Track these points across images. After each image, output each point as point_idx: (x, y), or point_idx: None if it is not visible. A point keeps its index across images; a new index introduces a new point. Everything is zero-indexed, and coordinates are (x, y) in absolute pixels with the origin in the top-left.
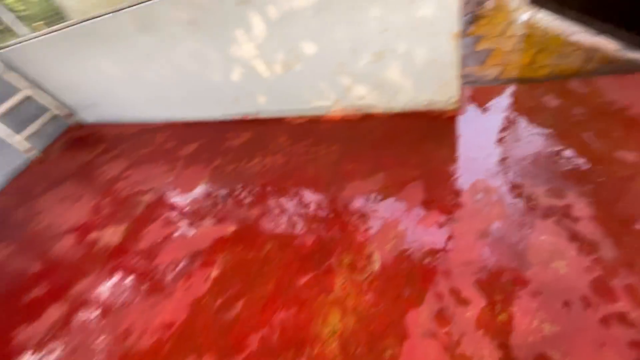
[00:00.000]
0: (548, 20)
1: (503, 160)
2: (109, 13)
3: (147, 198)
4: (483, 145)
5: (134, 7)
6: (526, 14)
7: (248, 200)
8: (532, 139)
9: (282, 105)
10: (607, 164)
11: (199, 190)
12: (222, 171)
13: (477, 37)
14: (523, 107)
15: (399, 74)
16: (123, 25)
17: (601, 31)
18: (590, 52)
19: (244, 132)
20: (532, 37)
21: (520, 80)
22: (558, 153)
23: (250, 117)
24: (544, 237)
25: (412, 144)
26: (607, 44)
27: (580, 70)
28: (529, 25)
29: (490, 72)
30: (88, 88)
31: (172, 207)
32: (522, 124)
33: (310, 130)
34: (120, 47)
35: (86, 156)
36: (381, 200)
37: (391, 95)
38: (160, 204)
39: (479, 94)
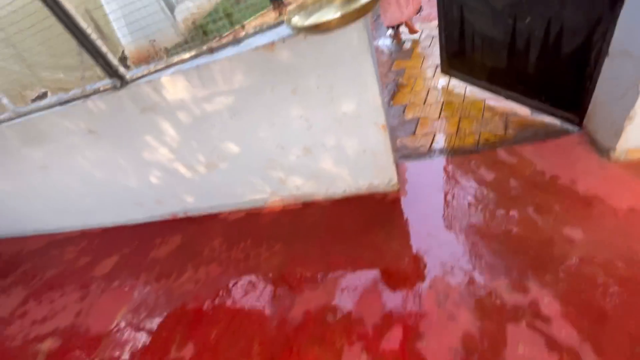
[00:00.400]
0: (462, 87)
1: (456, 250)
2: None
3: (48, 346)
4: (432, 232)
5: (14, 120)
6: (441, 82)
7: (178, 334)
8: (478, 221)
9: (214, 202)
10: (558, 245)
11: (117, 324)
12: (147, 294)
13: (403, 106)
14: (462, 182)
15: (332, 165)
16: (4, 140)
17: (510, 98)
18: (506, 117)
19: (173, 236)
20: (452, 105)
21: (452, 151)
22: (508, 235)
23: (179, 216)
24: (521, 348)
25: (360, 235)
26: (519, 109)
27: (503, 137)
28: (447, 92)
29: (422, 142)
30: None
31: (80, 356)
32: (465, 203)
33: (249, 227)
34: (6, 161)
35: None
36: (337, 317)
37: (329, 183)
38: (64, 353)
39: (417, 170)
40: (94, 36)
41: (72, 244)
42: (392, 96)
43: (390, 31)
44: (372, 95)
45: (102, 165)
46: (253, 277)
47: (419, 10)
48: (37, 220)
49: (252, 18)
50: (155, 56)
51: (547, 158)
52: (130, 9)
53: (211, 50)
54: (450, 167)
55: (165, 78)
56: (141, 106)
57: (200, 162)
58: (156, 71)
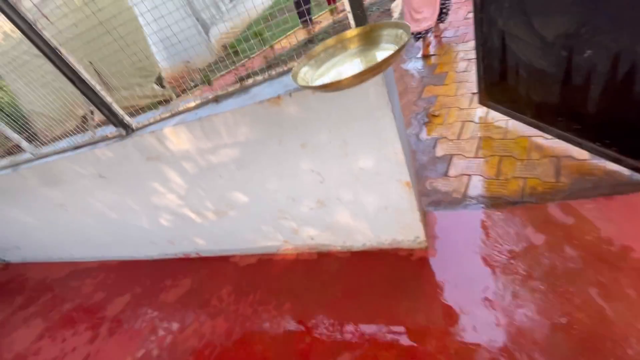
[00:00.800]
0: (504, 121)
1: (497, 338)
2: (7, 168)
3: None
4: (467, 309)
5: (32, 162)
6: (479, 113)
7: None
8: (525, 299)
9: (225, 245)
10: (636, 349)
11: None
12: (151, 345)
13: (434, 140)
14: (504, 245)
15: (349, 218)
16: (24, 180)
17: (562, 137)
18: (558, 161)
19: (184, 279)
20: (492, 141)
21: (492, 201)
22: (565, 325)
23: (192, 256)
24: None
25: (380, 301)
26: (574, 151)
27: (555, 186)
28: (485, 125)
29: (456, 185)
30: (4, 233)
31: None
32: (509, 273)
33: (260, 277)
34: (27, 198)
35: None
36: None
37: (346, 236)
38: None
39: (450, 223)
40: (98, 87)
41: (91, 276)
42: (422, 128)
43: (418, 43)
44: (393, 151)
45: (115, 207)
46: (258, 340)
47: (441, 18)
48: (60, 250)
49: (281, 37)
50: (190, 77)
51: (615, 221)
52: (168, 31)
53: (216, 100)
54: (489, 223)
55: (168, 129)
56: (146, 155)
57: (209, 209)
58: (161, 120)
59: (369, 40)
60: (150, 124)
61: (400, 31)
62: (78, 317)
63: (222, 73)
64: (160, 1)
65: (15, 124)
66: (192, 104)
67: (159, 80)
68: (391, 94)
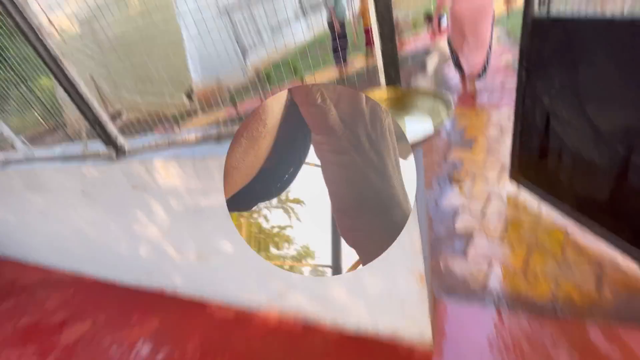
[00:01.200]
0: (536, 203)
1: None
2: None
3: None
4: None
5: (21, 165)
6: (508, 188)
7: None
8: None
9: (203, 289)
10: None
11: None
12: None
13: (454, 210)
14: None
15: (345, 295)
16: (10, 180)
17: (606, 238)
18: (601, 267)
19: (152, 318)
20: (521, 225)
21: (516, 302)
22: None
23: (168, 292)
24: None
25: None
26: (620, 259)
27: (596, 301)
28: (514, 205)
29: (474, 271)
30: None
31: None
32: None
33: (233, 337)
34: (10, 198)
35: None
36: None
37: (339, 313)
38: None
39: (463, 320)
40: (95, 104)
41: (59, 290)
42: (442, 194)
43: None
44: (410, 239)
45: (94, 226)
46: None
47: (480, 74)
48: (36, 254)
49: (313, 72)
50: (219, 95)
51: None
52: (208, 49)
53: (218, 138)
54: (511, 331)
55: (158, 161)
56: (132, 183)
57: (191, 249)
58: (156, 146)
59: (398, 105)
60: (143, 150)
61: (439, 105)
62: (30, 336)
63: (250, 97)
64: (202, 18)
65: (48, 111)
66: (193, 137)
67: (189, 93)
68: (417, 176)
